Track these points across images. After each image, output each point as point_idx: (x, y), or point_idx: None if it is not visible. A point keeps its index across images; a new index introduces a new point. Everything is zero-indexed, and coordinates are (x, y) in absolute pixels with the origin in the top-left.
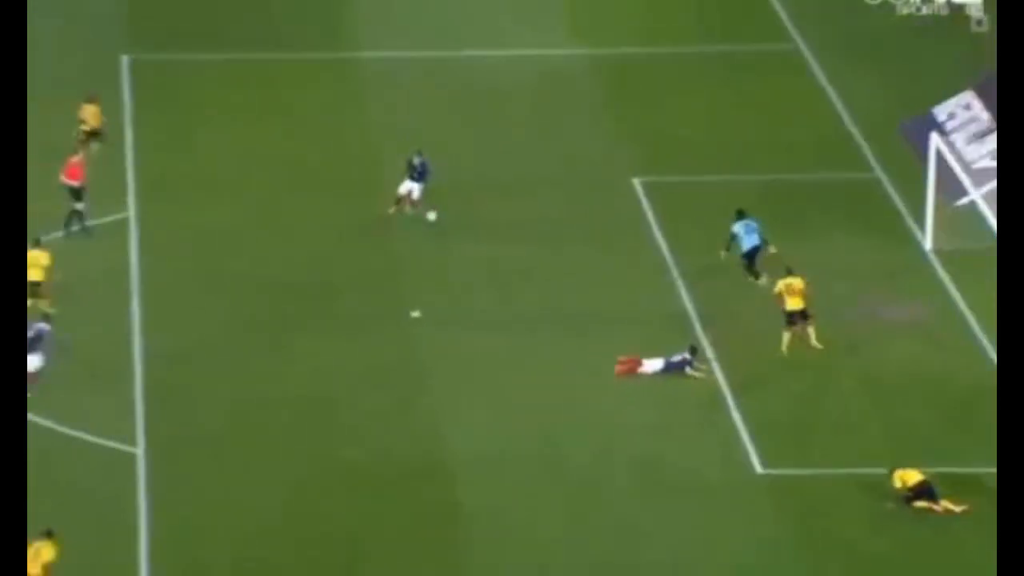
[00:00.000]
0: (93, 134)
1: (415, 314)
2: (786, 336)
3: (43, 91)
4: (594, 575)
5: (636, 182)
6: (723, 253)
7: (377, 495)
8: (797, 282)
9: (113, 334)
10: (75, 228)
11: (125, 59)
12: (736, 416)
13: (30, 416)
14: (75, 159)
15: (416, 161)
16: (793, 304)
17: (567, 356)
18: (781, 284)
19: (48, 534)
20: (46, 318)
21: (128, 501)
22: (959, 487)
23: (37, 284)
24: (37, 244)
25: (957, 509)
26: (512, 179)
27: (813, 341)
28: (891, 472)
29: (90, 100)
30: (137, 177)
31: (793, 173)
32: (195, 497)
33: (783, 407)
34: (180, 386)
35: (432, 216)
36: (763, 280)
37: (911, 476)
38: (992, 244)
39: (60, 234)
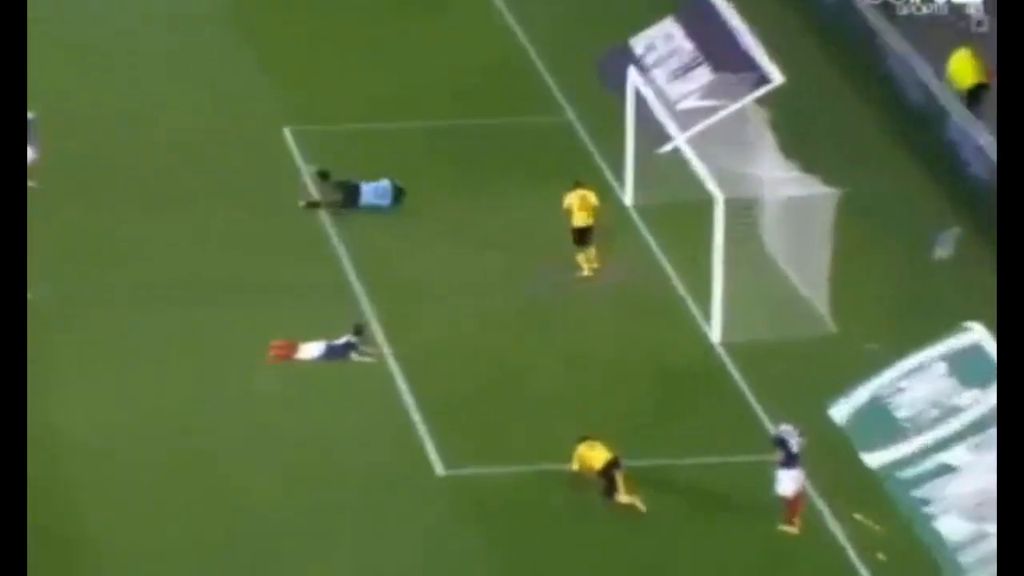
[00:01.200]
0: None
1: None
2: (582, 256)
3: None
4: None
5: (287, 131)
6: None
7: None
8: (591, 195)
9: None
10: None
11: None
12: (412, 408)
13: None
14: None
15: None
16: (582, 220)
17: (208, 334)
18: (572, 196)
19: None
20: None
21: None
22: (664, 483)
23: None
24: None
25: (641, 507)
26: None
27: (585, 269)
28: (571, 455)
29: None
30: None
31: (473, 118)
32: None
33: (468, 397)
34: None
35: None
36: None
37: (597, 457)
38: (699, 196)
39: None
